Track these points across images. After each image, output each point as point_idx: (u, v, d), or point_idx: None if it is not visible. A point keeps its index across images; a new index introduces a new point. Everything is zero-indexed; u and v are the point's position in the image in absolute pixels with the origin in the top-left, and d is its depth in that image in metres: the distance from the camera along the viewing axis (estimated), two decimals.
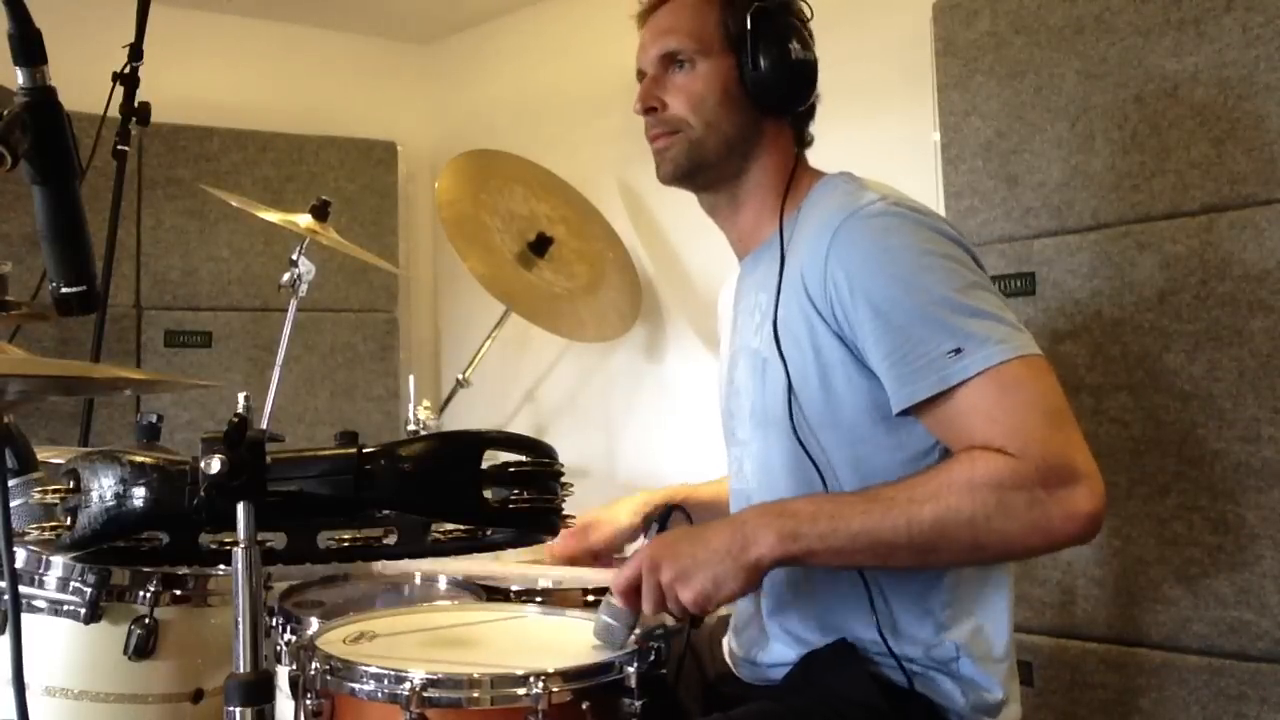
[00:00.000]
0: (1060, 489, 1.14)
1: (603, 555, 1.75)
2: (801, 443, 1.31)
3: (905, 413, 1.24)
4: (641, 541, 1.42)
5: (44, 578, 1.41)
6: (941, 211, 2.00)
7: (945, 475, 1.17)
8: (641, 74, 1.47)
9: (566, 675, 1.15)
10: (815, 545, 1.18)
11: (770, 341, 1.34)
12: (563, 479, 1.12)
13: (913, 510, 1.16)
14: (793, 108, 1.42)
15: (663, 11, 1.46)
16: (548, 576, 1.82)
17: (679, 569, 1.21)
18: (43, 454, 1.43)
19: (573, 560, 1.75)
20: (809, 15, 1.44)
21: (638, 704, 1.17)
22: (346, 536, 1.09)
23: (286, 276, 2.39)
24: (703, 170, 1.44)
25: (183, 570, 1.46)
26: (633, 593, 1.25)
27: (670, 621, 1.27)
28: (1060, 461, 1.15)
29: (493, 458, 1.07)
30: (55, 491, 1.04)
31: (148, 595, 1.43)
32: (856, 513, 1.18)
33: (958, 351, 1.19)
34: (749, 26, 1.38)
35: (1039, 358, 1.21)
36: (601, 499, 3.06)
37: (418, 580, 1.83)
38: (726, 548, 1.20)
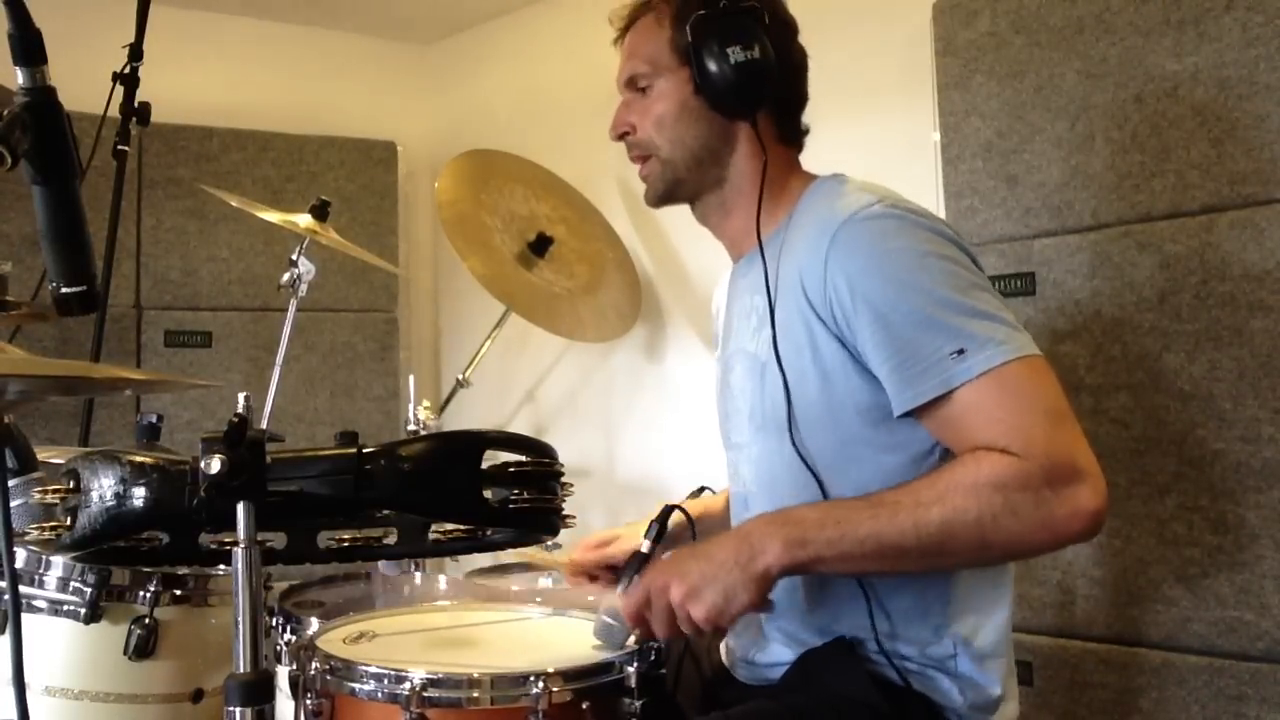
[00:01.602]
0: (1065, 487, 1.15)
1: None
2: (800, 453, 1.31)
3: (908, 415, 1.24)
4: (644, 544, 1.41)
5: (44, 578, 1.41)
6: (941, 212, 2.01)
7: (950, 477, 1.17)
8: None
9: (566, 675, 1.15)
10: (823, 551, 1.18)
11: (769, 346, 1.34)
12: (563, 479, 1.12)
13: (919, 513, 1.16)
14: (751, 108, 1.40)
15: (628, 36, 1.49)
16: (549, 576, 1.82)
17: (688, 586, 1.20)
18: (43, 454, 1.43)
19: (590, 574, 1.70)
20: (766, 10, 1.41)
21: (638, 704, 1.17)
22: (346, 536, 1.09)
23: (286, 276, 2.39)
24: (681, 186, 1.47)
25: (183, 570, 1.46)
26: (643, 616, 1.23)
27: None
28: (1064, 460, 1.16)
29: (493, 458, 1.07)
30: (55, 491, 1.04)
31: (148, 595, 1.43)
32: (863, 518, 1.18)
33: (960, 353, 1.19)
34: (690, 38, 1.38)
35: (1039, 358, 1.21)
36: (602, 499, 3.07)
37: (418, 580, 1.84)
38: (734, 559, 1.19)
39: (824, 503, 1.28)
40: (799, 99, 1.47)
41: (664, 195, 1.48)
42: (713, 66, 1.37)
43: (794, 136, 1.48)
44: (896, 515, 1.17)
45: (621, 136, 1.49)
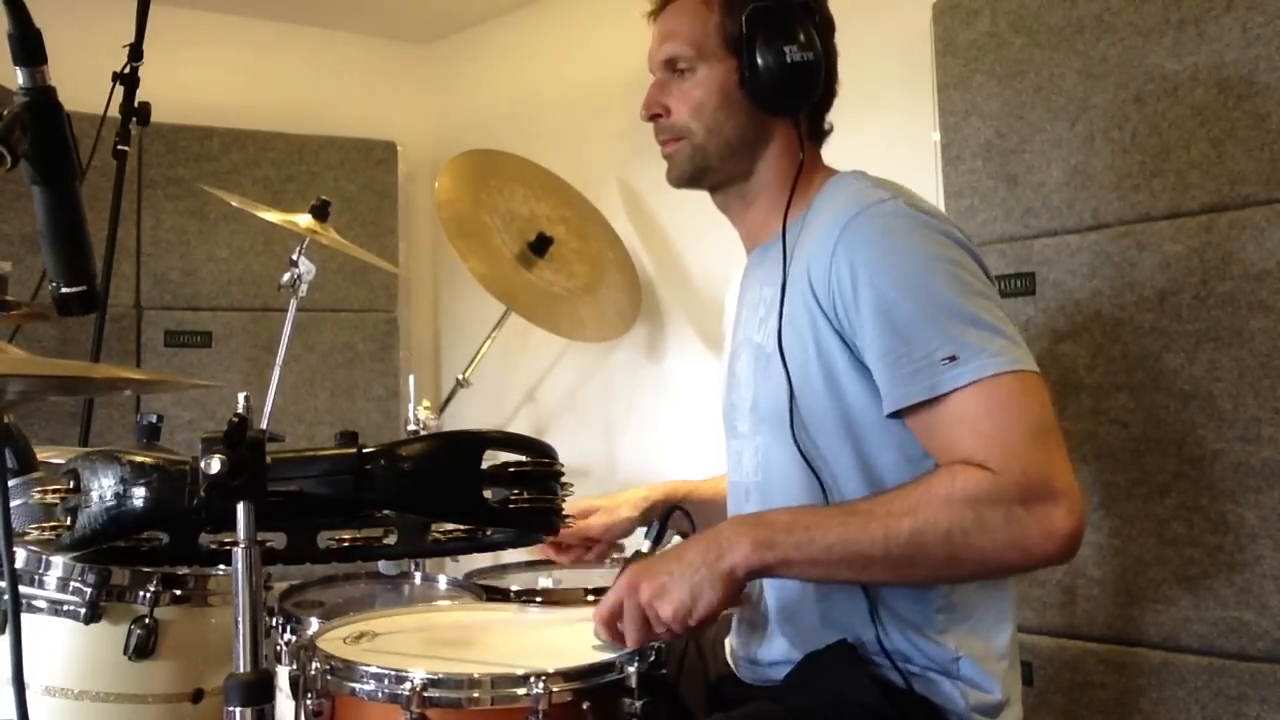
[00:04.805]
0: (1038, 506, 1.14)
1: (596, 543, 1.73)
2: (800, 448, 1.31)
3: (896, 415, 1.23)
4: (644, 544, 1.41)
5: (44, 578, 1.41)
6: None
7: (925, 489, 1.17)
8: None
9: (566, 675, 1.15)
10: (791, 554, 1.18)
11: (774, 338, 1.33)
12: (563, 479, 1.12)
13: (890, 523, 1.15)
14: (795, 108, 1.40)
15: (667, 12, 1.45)
16: (549, 576, 1.82)
17: (656, 586, 1.20)
18: (43, 454, 1.44)
19: (566, 544, 1.72)
20: (817, 7, 1.41)
21: (638, 704, 1.17)
22: (346, 536, 1.09)
23: (286, 276, 2.39)
24: (708, 174, 1.45)
25: (183, 570, 1.46)
26: (614, 624, 1.23)
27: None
28: (1040, 480, 1.15)
29: (493, 458, 1.07)
30: (55, 491, 1.04)
31: (148, 595, 1.43)
32: (834, 524, 1.18)
33: (952, 359, 1.18)
34: (744, 29, 1.36)
35: (1033, 374, 1.20)
36: None
37: (418, 580, 1.84)
38: (702, 558, 1.19)
39: (797, 507, 1.27)
40: (832, 97, 1.46)
41: (689, 179, 1.46)
42: (765, 63, 1.35)
43: (821, 133, 1.48)
44: (868, 524, 1.16)
45: (654, 118, 1.45)
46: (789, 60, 1.34)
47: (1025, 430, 1.17)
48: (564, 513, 1.13)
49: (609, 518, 1.70)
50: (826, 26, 1.43)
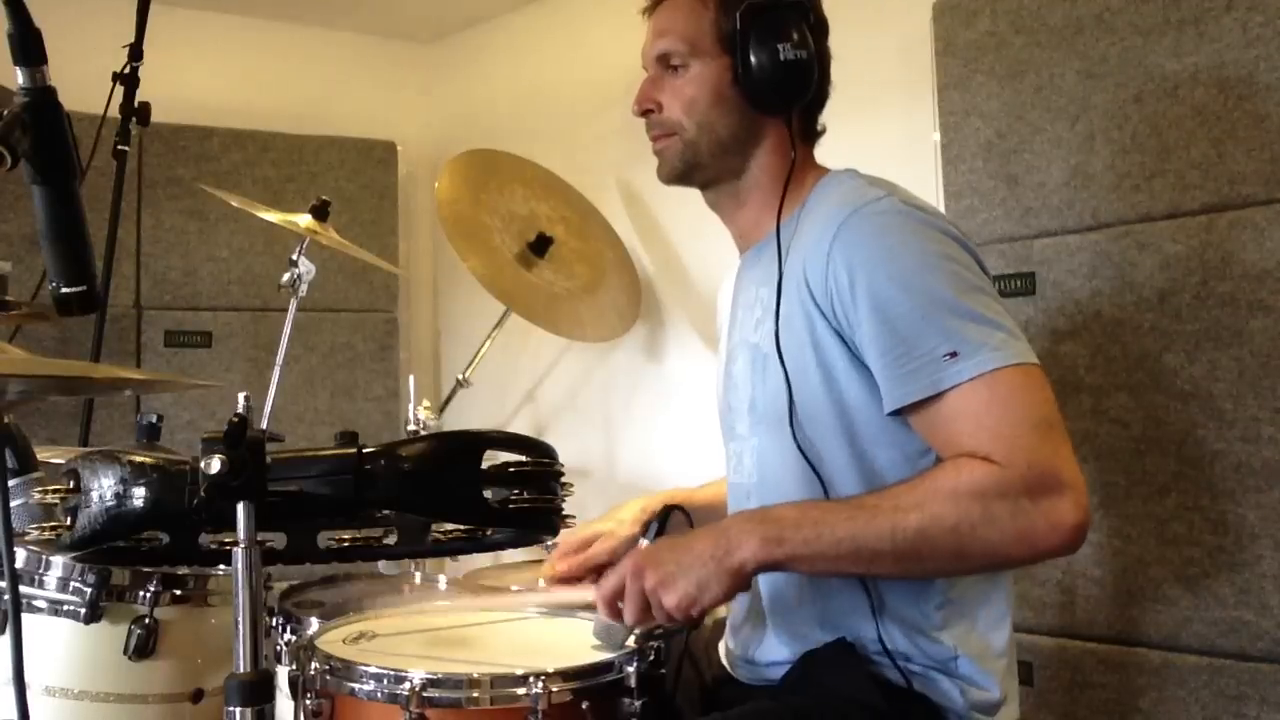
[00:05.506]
0: (1045, 499, 1.14)
1: (605, 566, 1.70)
2: (801, 448, 1.31)
3: (897, 413, 1.24)
4: (642, 544, 1.41)
5: (44, 578, 1.41)
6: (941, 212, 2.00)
7: (931, 483, 1.17)
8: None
9: (566, 675, 1.15)
10: (799, 550, 1.18)
11: (771, 338, 1.34)
12: (563, 479, 1.12)
13: (897, 518, 1.16)
14: (788, 107, 1.40)
15: (662, 9, 1.45)
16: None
17: (662, 575, 1.20)
18: (43, 454, 1.44)
19: (576, 580, 1.67)
20: (811, 7, 1.41)
21: (637, 704, 1.17)
22: (346, 536, 1.09)
23: (286, 276, 2.39)
24: (699, 170, 1.45)
25: (183, 570, 1.46)
26: (615, 603, 1.24)
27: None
28: (1046, 471, 1.15)
29: (493, 458, 1.07)
30: (55, 491, 1.04)
31: (148, 595, 1.43)
32: (841, 519, 1.18)
33: (953, 355, 1.18)
34: (739, 26, 1.36)
35: (1034, 367, 1.21)
36: (601, 499, 3.07)
37: (418, 580, 1.84)
38: (710, 553, 1.20)
39: (804, 502, 1.27)
40: (824, 98, 1.46)
41: (679, 175, 1.45)
42: (758, 61, 1.35)
43: (813, 134, 1.48)
44: (875, 519, 1.17)
45: (645, 113, 1.46)
46: (782, 59, 1.34)
47: (1029, 423, 1.18)
48: (564, 513, 1.13)
49: (612, 540, 1.65)
50: (820, 26, 1.43)
